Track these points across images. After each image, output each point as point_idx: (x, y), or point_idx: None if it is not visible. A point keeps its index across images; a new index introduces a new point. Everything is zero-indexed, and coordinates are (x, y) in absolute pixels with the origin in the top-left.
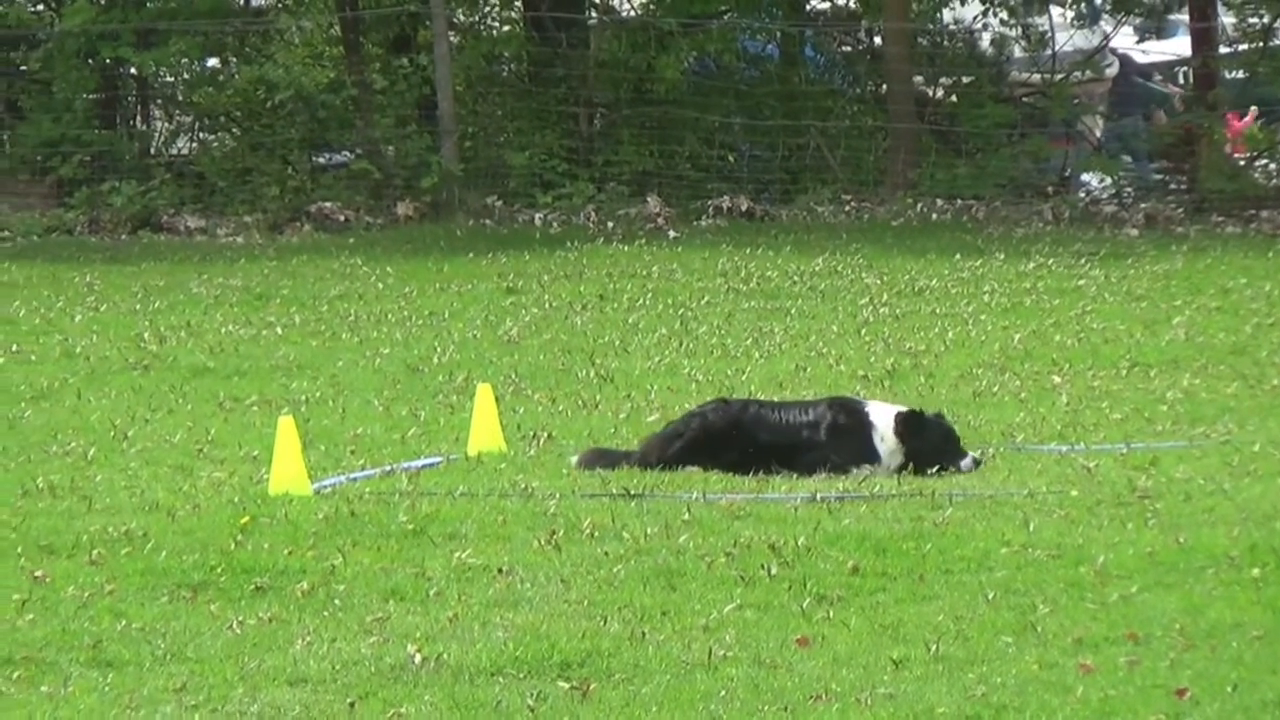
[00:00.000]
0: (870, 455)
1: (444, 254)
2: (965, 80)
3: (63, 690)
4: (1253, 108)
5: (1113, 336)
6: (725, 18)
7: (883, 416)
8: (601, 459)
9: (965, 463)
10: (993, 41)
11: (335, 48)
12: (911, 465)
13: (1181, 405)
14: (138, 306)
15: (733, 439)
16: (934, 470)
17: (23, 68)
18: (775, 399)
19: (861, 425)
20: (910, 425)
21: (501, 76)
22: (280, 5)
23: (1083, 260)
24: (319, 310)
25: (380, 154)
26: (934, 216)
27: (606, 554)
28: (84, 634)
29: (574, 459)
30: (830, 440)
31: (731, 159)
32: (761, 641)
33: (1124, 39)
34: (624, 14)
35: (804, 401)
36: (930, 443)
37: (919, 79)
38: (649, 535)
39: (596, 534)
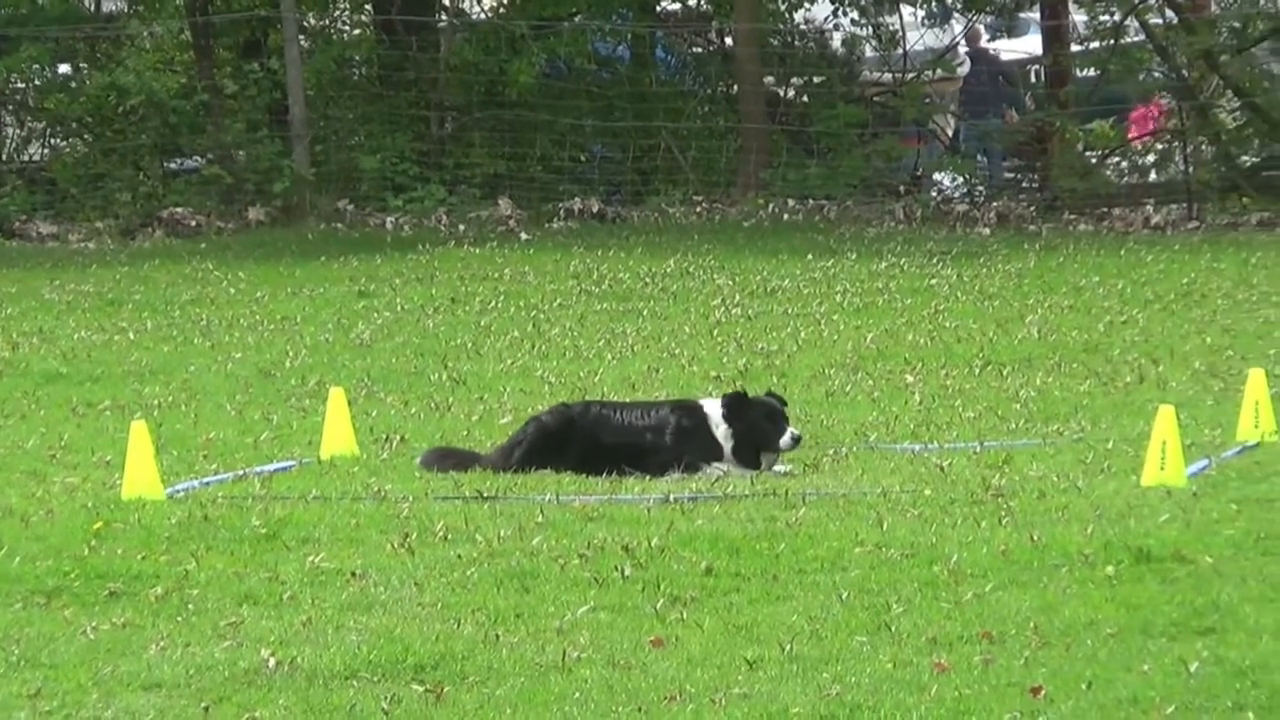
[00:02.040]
0: (715, 450)
1: (296, 258)
2: (816, 80)
3: None
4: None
5: (966, 335)
6: (576, 19)
7: (715, 408)
8: (445, 459)
9: (784, 440)
10: (844, 41)
11: (186, 53)
12: (740, 448)
13: (1035, 403)
14: None
15: (571, 440)
16: (756, 449)
17: None
18: (623, 400)
19: (703, 423)
20: (733, 407)
21: (352, 80)
22: (131, 11)
23: (935, 259)
24: (171, 315)
25: (231, 159)
26: (786, 217)
27: (460, 557)
28: None
29: (418, 459)
30: (676, 443)
31: (583, 160)
32: (615, 643)
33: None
34: (475, 17)
35: (648, 403)
36: (752, 421)
37: (770, 79)
38: (502, 538)
39: (450, 537)
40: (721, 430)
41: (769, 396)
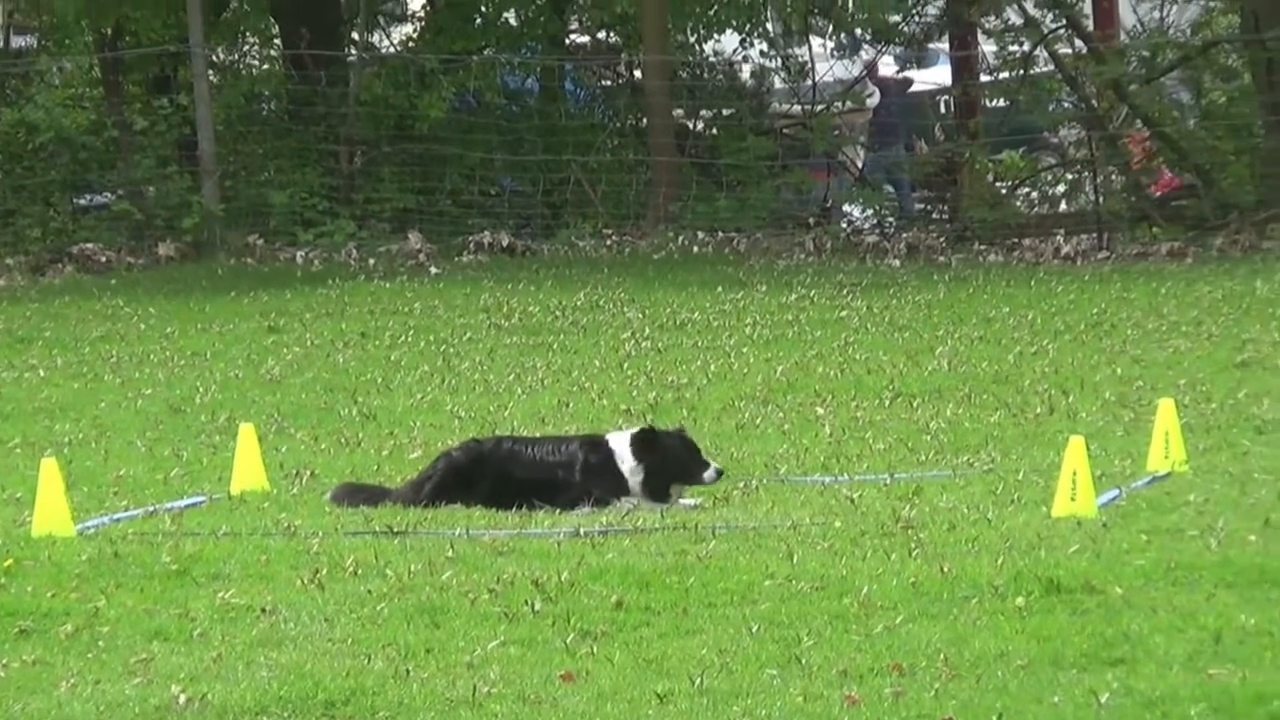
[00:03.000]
0: (624, 486)
1: (206, 294)
2: (726, 112)
3: None
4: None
5: (876, 367)
6: (485, 53)
7: (622, 443)
8: (355, 494)
9: (708, 474)
10: (753, 73)
11: (96, 89)
12: (652, 483)
13: (945, 434)
14: None
15: (482, 475)
16: (676, 485)
17: None
18: (533, 435)
19: (610, 458)
20: (644, 442)
21: (262, 115)
22: (41, 47)
23: (845, 291)
24: (81, 352)
25: (141, 195)
26: (696, 249)
27: (370, 592)
28: None
29: (328, 495)
30: (585, 479)
31: (493, 194)
32: (526, 677)
33: (888, 68)
34: (384, 51)
35: (558, 438)
36: (668, 457)
37: (679, 112)
38: (412, 572)
39: (360, 572)
40: (628, 465)
41: (677, 432)
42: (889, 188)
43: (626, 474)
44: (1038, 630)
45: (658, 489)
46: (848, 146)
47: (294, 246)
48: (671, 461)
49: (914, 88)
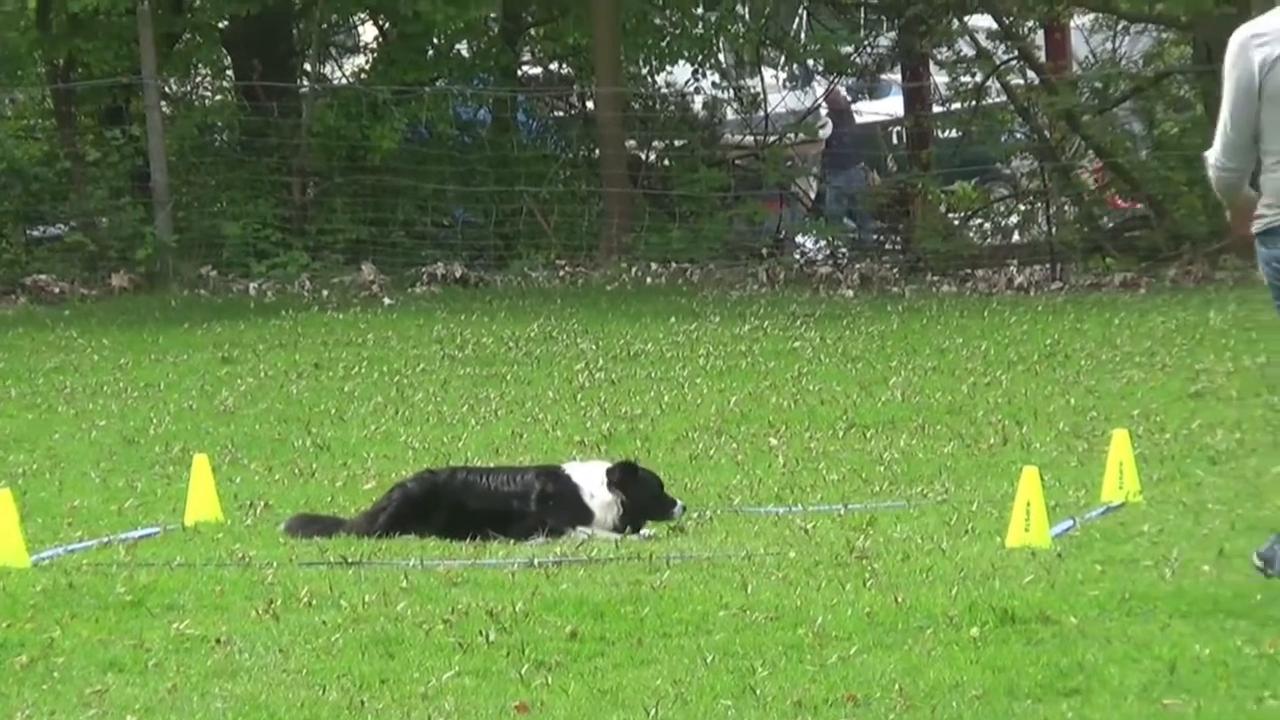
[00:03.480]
0: (584, 516)
1: (159, 325)
2: (678, 143)
3: None
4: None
5: (829, 398)
6: (438, 84)
7: (587, 474)
8: (309, 525)
9: (676, 510)
10: (705, 104)
11: (48, 120)
12: (628, 516)
13: (899, 465)
14: None
15: (437, 506)
16: (647, 519)
17: None
18: (488, 465)
19: (569, 488)
20: (627, 476)
21: (214, 146)
22: None
23: (798, 322)
24: (35, 384)
25: (95, 226)
26: (649, 280)
27: (324, 622)
28: None
29: (282, 525)
30: (541, 508)
31: (446, 225)
32: (480, 708)
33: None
34: (336, 82)
35: (514, 468)
36: (646, 492)
37: (632, 143)
38: (367, 603)
39: (314, 602)
40: (603, 497)
41: (624, 463)
42: (848, 220)
43: (598, 506)
44: (993, 660)
45: (634, 522)
46: (801, 177)
47: (247, 278)
48: (649, 496)
49: (867, 119)
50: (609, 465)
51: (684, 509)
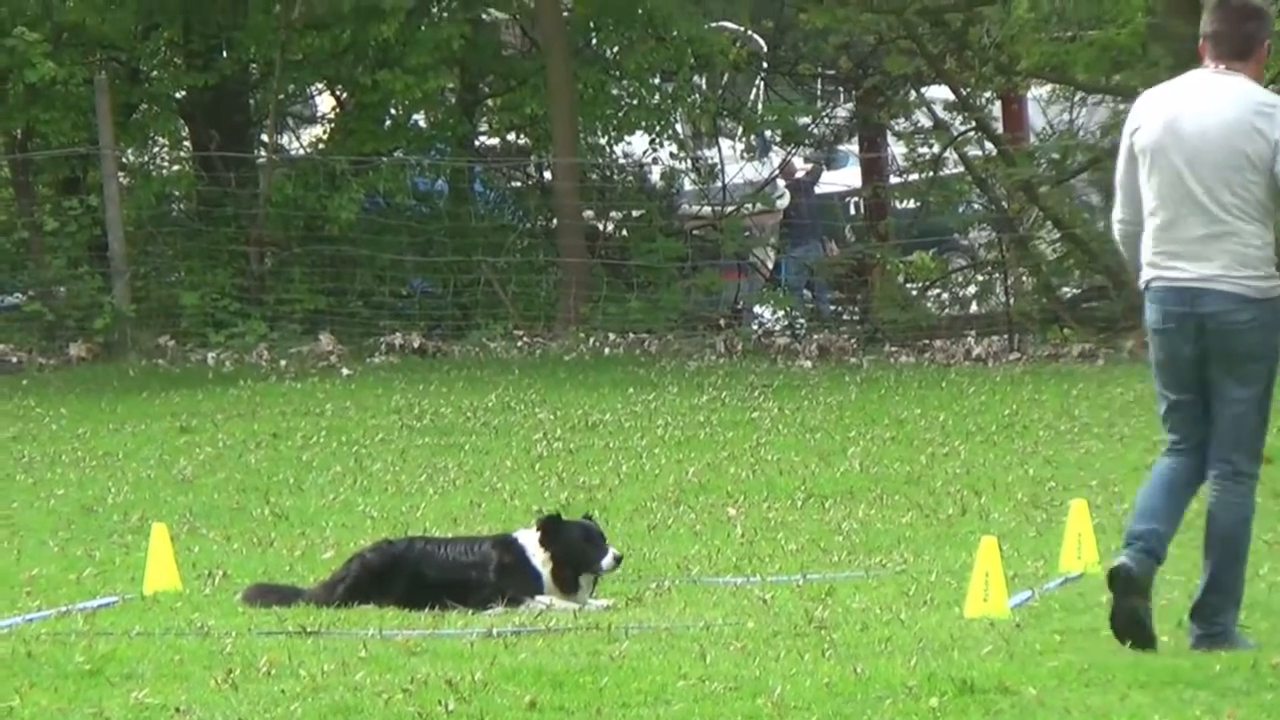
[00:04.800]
0: (537, 585)
1: (117, 394)
2: (636, 214)
3: None
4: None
5: (788, 468)
6: (395, 154)
7: (530, 537)
8: (268, 594)
9: (606, 561)
10: (663, 175)
11: (6, 190)
12: (559, 571)
13: (857, 535)
14: None
15: (395, 576)
16: (583, 575)
17: None
18: (447, 535)
19: (521, 556)
20: (547, 531)
21: (172, 216)
22: None
23: (756, 392)
24: None
25: (53, 295)
26: (607, 350)
27: (284, 692)
28: None
29: (240, 595)
30: (499, 579)
31: (404, 295)
32: None
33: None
34: (294, 153)
35: (471, 538)
36: (569, 543)
37: (589, 213)
38: (326, 672)
39: (274, 672)
40: (539, 557)
41: (583, 519)
42: (806, 291)
43: (539, 566)
44: None
45: (566, 580)
46: (758, 248)
47: (205, 347)
48: (573, 548)
49: (823, 189)
50: (537, 522)
51: (618, 560)
